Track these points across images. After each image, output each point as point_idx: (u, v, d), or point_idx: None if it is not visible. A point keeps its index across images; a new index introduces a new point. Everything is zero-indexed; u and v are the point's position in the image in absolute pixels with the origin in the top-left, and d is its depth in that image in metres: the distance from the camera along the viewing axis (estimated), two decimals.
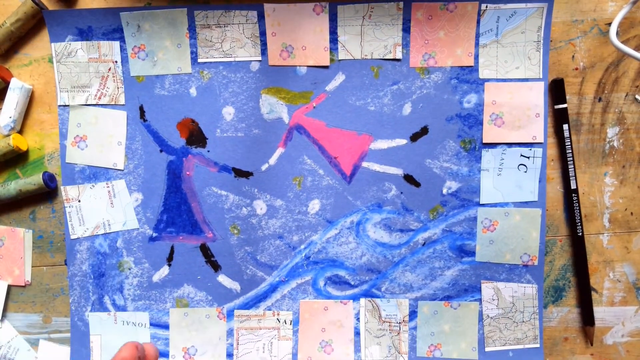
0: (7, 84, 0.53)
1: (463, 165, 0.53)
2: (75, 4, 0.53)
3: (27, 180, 0.53)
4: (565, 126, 0.52)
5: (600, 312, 0.55)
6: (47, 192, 0.55)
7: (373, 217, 0.54)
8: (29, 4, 0.51)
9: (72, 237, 0.54)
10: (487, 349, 0.54)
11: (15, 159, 0.55)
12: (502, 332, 0.54)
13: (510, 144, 0.53)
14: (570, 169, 0.52)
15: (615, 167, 0.53)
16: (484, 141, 0.53)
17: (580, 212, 0.53)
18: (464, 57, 0.52)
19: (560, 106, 0.52)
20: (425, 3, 0.51)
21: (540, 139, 0.53)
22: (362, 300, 0.55)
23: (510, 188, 0.53)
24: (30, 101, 0.55)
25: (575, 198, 0.53)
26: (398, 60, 0.52)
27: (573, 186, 0.53)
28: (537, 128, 0.52)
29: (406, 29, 0.52)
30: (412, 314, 0.54)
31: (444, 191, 0.54)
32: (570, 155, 0.52)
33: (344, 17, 0.52)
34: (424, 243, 0.54)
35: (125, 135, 0.54)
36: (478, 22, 0.52)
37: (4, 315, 0.57)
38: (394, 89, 0.53)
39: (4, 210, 0.56)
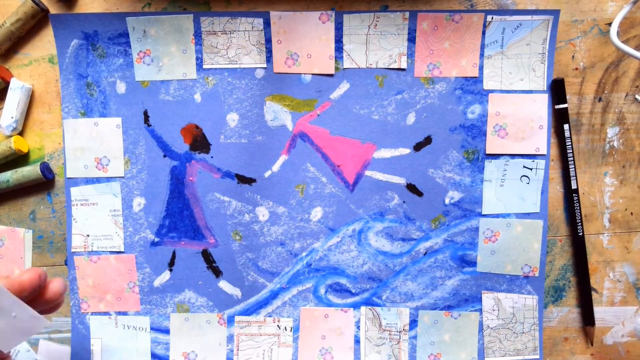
0: (7, 84, 0.53)
1: (466, 175, 0.53)
2: (75, 4, 0.53)
3: (25, 169, 0.53)
4: (566, 126, 0.52)
5: (600, 312, 0.55)
6: (48, 193, 0.55)
7: (375, 225, 0.54)
8: (29, 4, 0.51)
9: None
10: (487, 359, 0.54)
11: (15, 159, 0.55)
12: (502, 343, 0.54)
13: (513, 155, 0.53)
14: (570, 169, 0.53)
15: (615, 167, 0.54)
16: (487, 152, 0.53)
17: (580, 212, 0.53)
18: (468, 67, 0.52)
19: (561, 106, 0.52)
20: (431, 14, 0.51)
21: (543, 151, 0.53)
22: (363, 309, 0.55)
23: (513, 199, 0.53)
24: (30, 101, 0.55)
25: (576, 198, 0.53)
26: (403, 69, 0.53)
27: (573, 186, 0.53)
28: (540, 140, 0.53)
29: (411, 39, 0.52)
30: (413, 323, 0.55)
31: (447, 201, 0.54)
32: (570, 155, 0.53)
33: (350, 26, 0.52)
34: (426, 252, 0.54)
35: (122, 148, 0.54)
36: (483, 33, 0.52)
37: None
38: (398, 99, 0.53)
39: (4, 210, 0.56)
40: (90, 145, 0.54)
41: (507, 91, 0.53)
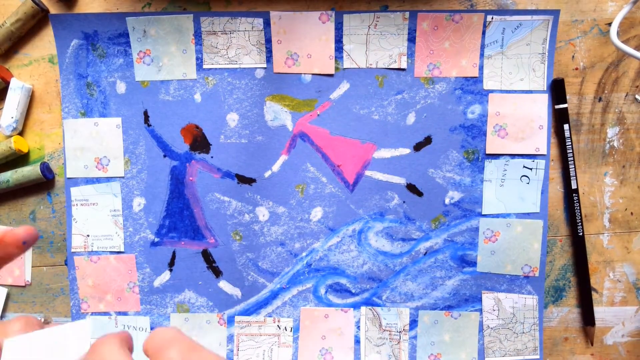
0: (7, 84, 0.53)
1: (466, 175, 0.53)
2: (75, 4, 0.53)
3: (25, 169, 0.53)
4: (566, 126, 0.52)
5: (600, 312, 0.55)
6: (48, 193, 0.55)
7: (375, 225, 0.54)
8: (29, 4, 0.51)
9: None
10: (487, 359, 0.54)
11: (15, 159, 0.55)
12: (502, 343, 0.54)
13: (513, 155, 0.53)
14: (570, 169, 0.53)
15: (615, 167, 0.54)
16: (487, 152, 0.53)
17: (580, 212, 0.53)
18: (468, 67, 0.52)
19: (561, 106, 0.52)
20: (431, 14, 0.51)
21: (543, 151, 0.53)
22: (363, 309, 0.55)
23: (513, 199, 0.53)
24: (30, 101, 0.55)
25: (576, 198, 0.53)
26: (403, 69, 0.53)
27: (573, 186, 0.53)
28: (540, 140, 0.53)
29: (411, 39, 0.52)
30: (413, 323, 0.55)
31: (447, 201, 0.54)
32: (570, 155, 0.53)
33: (350, 26, 0.52)
34: (426, 252, 0.54)
35: (122, 148, 0.54)
36: (483, 33, 0.52)
37: (3, 316, 0.56)
38: (398, 99, 0.53)
39: (4, 210, 0.56)
40: (90, 145, 0.54)
41: (507, 91, 0.53)
